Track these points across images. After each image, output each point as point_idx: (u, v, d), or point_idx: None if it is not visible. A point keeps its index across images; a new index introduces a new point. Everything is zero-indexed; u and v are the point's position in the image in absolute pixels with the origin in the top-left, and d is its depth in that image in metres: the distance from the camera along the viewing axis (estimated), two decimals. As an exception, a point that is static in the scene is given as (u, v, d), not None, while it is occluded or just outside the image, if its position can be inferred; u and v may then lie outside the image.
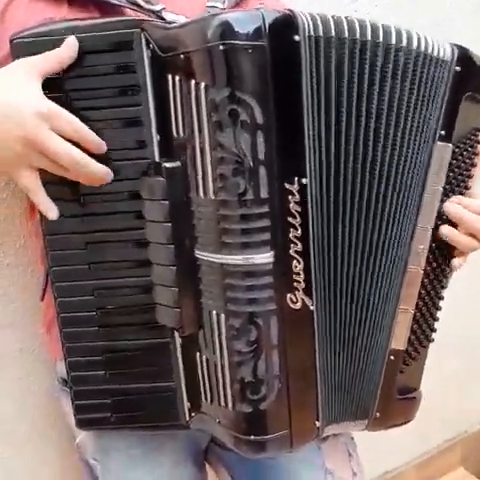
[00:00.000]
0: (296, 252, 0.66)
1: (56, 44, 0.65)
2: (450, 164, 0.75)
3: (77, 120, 0.63)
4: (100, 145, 0.65)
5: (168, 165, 0.67)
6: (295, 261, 0.66)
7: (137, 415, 0.77)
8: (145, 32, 0.66)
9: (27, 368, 1.05)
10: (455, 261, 0.78)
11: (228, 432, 0.72)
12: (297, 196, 0.65)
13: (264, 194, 0.64)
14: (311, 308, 0.68)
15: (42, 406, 1.07)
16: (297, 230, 0.66)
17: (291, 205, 0.65)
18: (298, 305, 0.68)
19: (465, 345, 1.65)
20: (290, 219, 0.65)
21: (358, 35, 0.66)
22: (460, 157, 0.77)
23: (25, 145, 0.61)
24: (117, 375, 0.76)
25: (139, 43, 0.66)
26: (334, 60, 0.66)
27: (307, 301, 0.68)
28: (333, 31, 0.65)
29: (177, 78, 0.64)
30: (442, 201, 0.76)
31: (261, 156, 0.62)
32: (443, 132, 0.74)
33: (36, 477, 1.11)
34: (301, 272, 0.67)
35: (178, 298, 0.69)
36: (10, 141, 0.61)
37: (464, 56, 0.74)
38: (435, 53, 0.71)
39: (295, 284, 0.67)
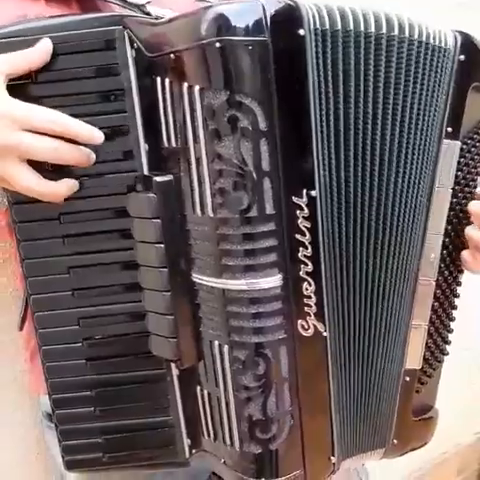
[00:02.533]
0: (307, 273, 0.59)
1: (31, 45, 0.58)
2: (458, 162, 0.70)
3: (53, 112, 0.56)
4: (90, 132, 0.58)
5: (159, 179, 0.60)
6: (306, 283, 0.59)
7: (132, 453, 0.71)
8: (128, 29, 0.60)
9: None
10: (464, 253, 0.71)
11: (234, 474, 0.65)
12: (306, 210, 0.58)
13: (270, 210, 0.57)
14: (324, 334, 0.62)
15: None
16: (307, 248, 0.59)
17: (299, 221, 0.58)
18: (310, 332, 0.61)
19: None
20: (298, 236, 0.58)
21: (362, 27, 0.60)
22: (468, 154, 0.71)
23: None
24: (108, 411, 0.69)
25: (122, 42, 0.60)
26: (341, 56, 0.59)
27: (320, 327, 0.61)
28: (339, 23, 0.58)
29: (167, 81, 0.57)
30: (451, 204, 0.70)
31: (265, 167, 0.56)
32: (450, 129, 0.68)
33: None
34: (312, 295, 0.60)
35: (174, 327, 0.62)
36: None
37: (468, 43, 0.67)
38: (436, 42, 0.64)
39: (306, 309, 0.60)
